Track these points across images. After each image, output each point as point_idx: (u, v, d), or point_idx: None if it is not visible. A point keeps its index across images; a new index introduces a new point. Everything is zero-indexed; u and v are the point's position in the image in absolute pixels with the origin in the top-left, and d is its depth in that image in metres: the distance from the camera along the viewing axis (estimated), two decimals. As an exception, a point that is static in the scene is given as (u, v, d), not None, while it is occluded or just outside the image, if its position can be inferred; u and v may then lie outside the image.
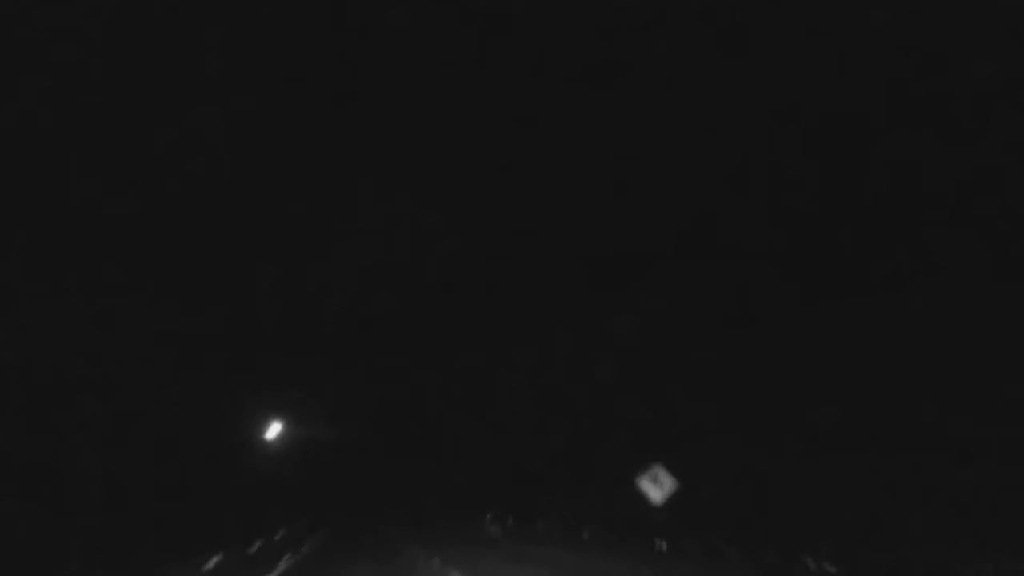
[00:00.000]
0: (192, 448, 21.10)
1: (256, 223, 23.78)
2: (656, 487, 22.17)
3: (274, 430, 31.18)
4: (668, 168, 28.57)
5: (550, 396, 44.59)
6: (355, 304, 41.42)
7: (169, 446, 19.16)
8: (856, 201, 19.25)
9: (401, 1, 24.06)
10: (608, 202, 37.43)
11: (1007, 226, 15.32)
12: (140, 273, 17.85)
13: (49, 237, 14.76)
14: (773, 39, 20.07)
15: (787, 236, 22.13)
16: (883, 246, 18.67)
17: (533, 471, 37.03)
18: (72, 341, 15.51)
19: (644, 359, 32.33)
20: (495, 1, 24.58)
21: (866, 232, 19.15)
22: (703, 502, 22.43)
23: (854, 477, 18.16)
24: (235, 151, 20.59)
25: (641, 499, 21.95)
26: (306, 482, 43.23)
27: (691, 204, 27.84)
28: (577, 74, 28.70)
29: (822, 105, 19.23)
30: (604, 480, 26.32)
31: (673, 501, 21.56)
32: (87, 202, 15.44)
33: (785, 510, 20.46)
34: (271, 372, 31.92)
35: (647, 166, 30.68)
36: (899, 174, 17.85)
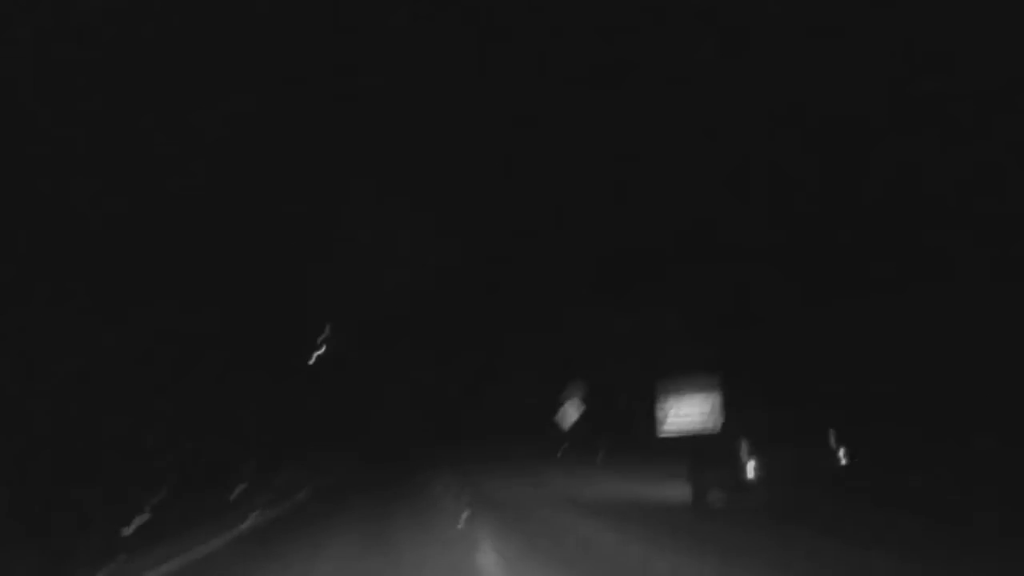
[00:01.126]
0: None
1: (256, 223, 23.80)
2: (572, 409, 36.39)
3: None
4: (668, 168, 28.58)
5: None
6: (355, 303, 41.46)
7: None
8: (856, 201, 19.26)
9: (401, 2, 24.07)
10: (608, 202, 37.46)
11: (1007, 226, 15.31)
12: (140, 273, 17.86)
13: (48, 237, 14.77)
14: (773, 39, 20.08)
15: (787, 236, 22.14)
16: (883, 246, 18.66)
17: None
18: (72, 341, 15.53)
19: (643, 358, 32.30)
20: (495, 2, 24.59)
21: (866, 232, 19.15)
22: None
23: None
24: (235, 151, 20.61)
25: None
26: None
27: (691, 204, 27.86)
28: (577, 74, 28.72)
29: (822, 106, 19.23)
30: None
31: (576, 425, 35.84)
32: (86, 202, 15.46)
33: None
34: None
35: (647, 166, 30.69)
36: (899, 174, 17.84)
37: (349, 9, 22.77)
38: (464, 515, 16.00)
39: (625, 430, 29.42)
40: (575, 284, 46.08)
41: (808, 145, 20.40)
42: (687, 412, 23.30)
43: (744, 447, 13.48)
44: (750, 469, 13.24)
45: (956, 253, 16.42)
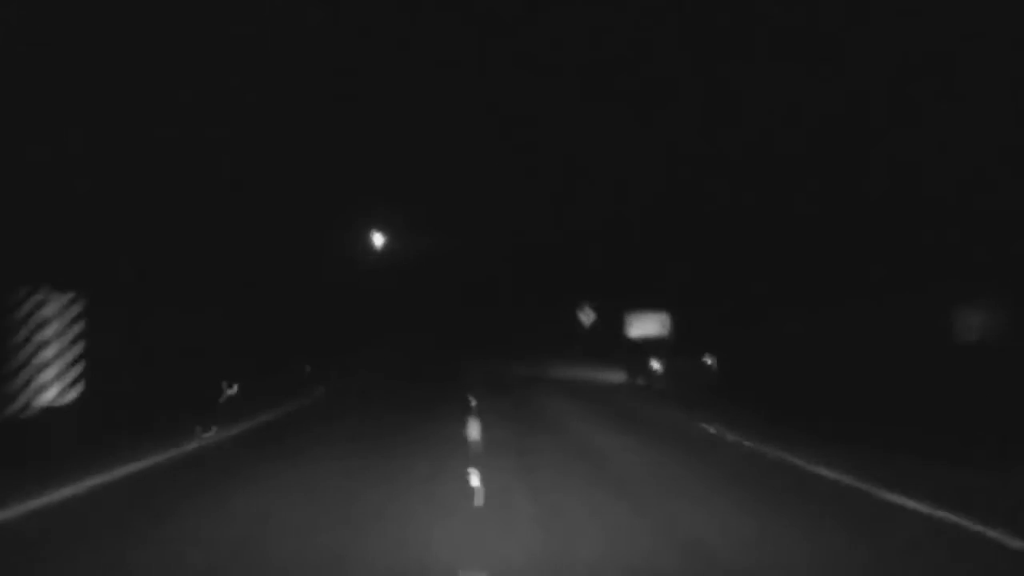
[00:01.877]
0: None
1: (254, 222, 23.79)
2: (585, 317, 43.98)
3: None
4: (668, 168, 28.61)
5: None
6: (356, 303, 41.50)
7: None
8: (856, 201, 19.26)
9: (401, 2, 24.08)
10: (608, 202, 37.51)
11: (1007, 226, 15.30)
12: (141, 274, 17.84)
13: (47, 237, 14.77)
14: (773, 39, 20.10)
15: (787, 236, 22.15)
16: (883, 247, 18.66)
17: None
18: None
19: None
20: (494, 3, 24.61)
21: (866, 232, 19.15)
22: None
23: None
24: (234, 151, 20.61)
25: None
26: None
27: (691, 204, 27.89)
28: (576, 74, 28.77)
29: (822, 106, 19.24)
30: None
31: (594, 326, 43.44)
32: (86, 201, 15.45)
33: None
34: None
35: (647, 166, 30.73)
36: (899, 174, 17.84)
37: (349, 9, 22.81)
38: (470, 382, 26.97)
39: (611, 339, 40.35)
40: (575, 283, 46.11)
41: (808, 145, 20.41)
42: (644, 326, 33.79)
43: (652, 354, 23.81)
44: (655, 367, 23.33)
45: (956, 253, 16.41)
